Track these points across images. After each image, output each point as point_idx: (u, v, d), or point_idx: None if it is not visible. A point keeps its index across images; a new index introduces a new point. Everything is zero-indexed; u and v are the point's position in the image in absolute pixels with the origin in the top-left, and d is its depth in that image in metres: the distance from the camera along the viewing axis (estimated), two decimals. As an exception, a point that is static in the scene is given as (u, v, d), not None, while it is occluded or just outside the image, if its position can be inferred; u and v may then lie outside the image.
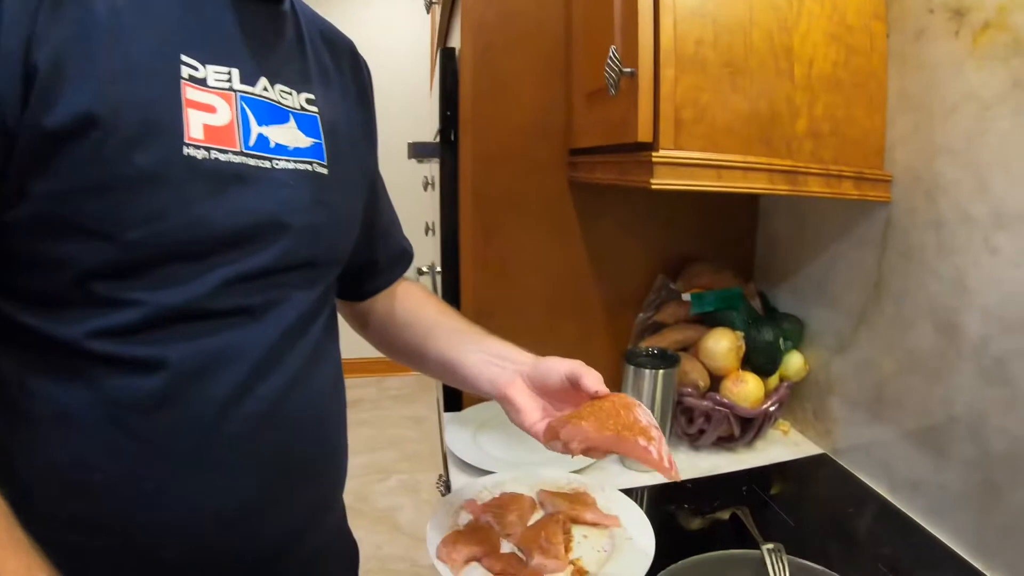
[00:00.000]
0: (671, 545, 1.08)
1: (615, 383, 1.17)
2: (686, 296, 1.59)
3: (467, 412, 1.64)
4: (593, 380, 0.92)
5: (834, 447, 1.49)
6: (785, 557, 1.01)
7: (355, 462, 3.87)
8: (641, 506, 1.19)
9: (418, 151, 1.86)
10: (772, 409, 1.45)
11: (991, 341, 1.08)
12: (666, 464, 0.85)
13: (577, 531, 1.12)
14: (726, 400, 1.43)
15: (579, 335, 1.70)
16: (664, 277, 1.70)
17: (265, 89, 0.78)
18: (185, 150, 0.67)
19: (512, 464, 1.38)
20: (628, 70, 1.10)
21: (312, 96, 0.86)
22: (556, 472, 1.30)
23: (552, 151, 1.61)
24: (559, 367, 0.95)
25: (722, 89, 1.13)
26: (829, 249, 1.49)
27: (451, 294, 1.63)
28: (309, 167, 0.82)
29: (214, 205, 0.69)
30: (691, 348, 1.54)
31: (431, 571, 1.02)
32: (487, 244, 1.63)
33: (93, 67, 0.61)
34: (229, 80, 0.73)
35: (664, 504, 1.31)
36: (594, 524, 1.14)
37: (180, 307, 0.70)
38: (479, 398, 1.66)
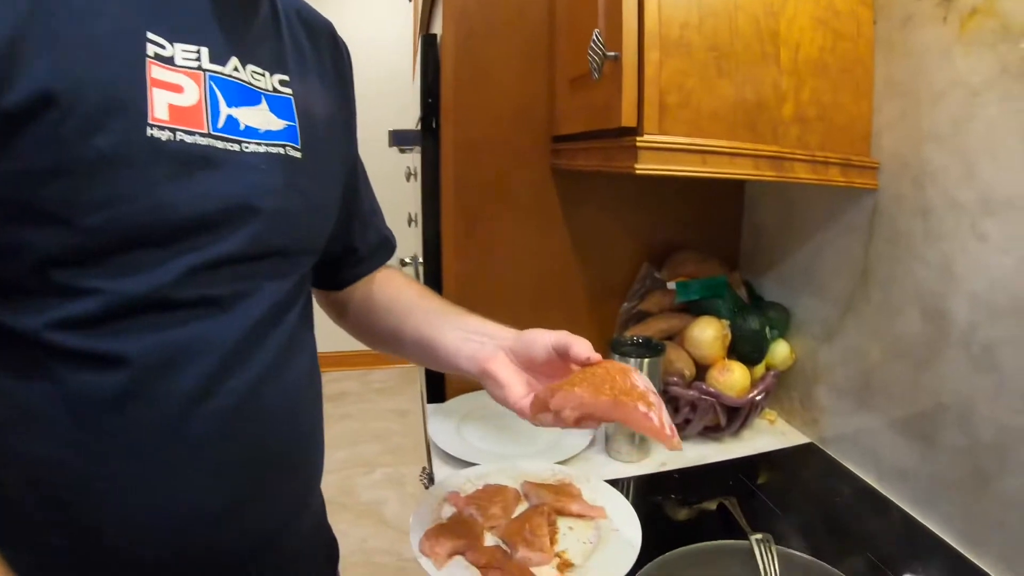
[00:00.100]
0: (658, 536, 1.07)
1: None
2: (671, 285, 1.58)
3: (450, 403, 1.62)
4: (583, 347, 0.87)
5: (821, 436, 1.48)
6: (774, 547, 1.00)
7: (339, 456, 3.90)
8: (627, 497, 1.18)
9: (399, 139, 1.84)
10: (759, 398, 1.44)
11: (979, 328, 1.07)
12: (667, 431, 0.80)
13: (562, 523, 1.11)
14: (712, 389, 1.42)
15: (563, 325, 1.64)
16: (649, 266, 1.69)
17: (236, 69, 0.75)
18: (149, 131, 0.64)
19: (496, 455, 1.36)
20: (612, 54, 1.08)
21: (286, 77, 0.83)
22: (540, 463, 1.29)
23: (535, 139, 1.60)
24: (544, 338, 0.90)
25: (707, 73, 1.11)
26: (815, 237, 1.48)
27: (433, 284, 1.61)
28: (282, 150, 0.79)
29: (179, 189, 0.66)
30: (676, 337, 1.53)
31: (416, 564, 1.00)
32: (469, 233, 1.61)
33: (52, 44, 0.58)
34: (198, 59, 0.70)
35: (650, 495, 1.30)
36: (579, 516, 1.13)
37: (143, 296, 0.66)
38: (463, 388, 1.65)
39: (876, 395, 1.31)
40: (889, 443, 1.27)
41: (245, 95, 0.75)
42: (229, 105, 0.72)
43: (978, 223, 1.06)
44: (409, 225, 2.74)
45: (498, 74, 1.56)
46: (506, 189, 1.61)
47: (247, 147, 0.74)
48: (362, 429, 4.40)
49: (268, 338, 0.78)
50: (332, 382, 5.13)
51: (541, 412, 0.85)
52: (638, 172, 1.07)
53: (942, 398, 1.15)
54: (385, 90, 4.53)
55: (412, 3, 3.14)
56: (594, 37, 1.09)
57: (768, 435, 1.54)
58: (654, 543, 1.03)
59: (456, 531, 1.04)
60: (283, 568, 0.89)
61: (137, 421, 0.68)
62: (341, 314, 1.14)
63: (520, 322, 0.98)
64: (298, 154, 0.81)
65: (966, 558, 1.08)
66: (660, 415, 0.80)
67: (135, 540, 0.71)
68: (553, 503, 1.13)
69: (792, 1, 1.15)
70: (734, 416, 1.45)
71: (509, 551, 1.03)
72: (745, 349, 1.49)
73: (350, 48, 1.04)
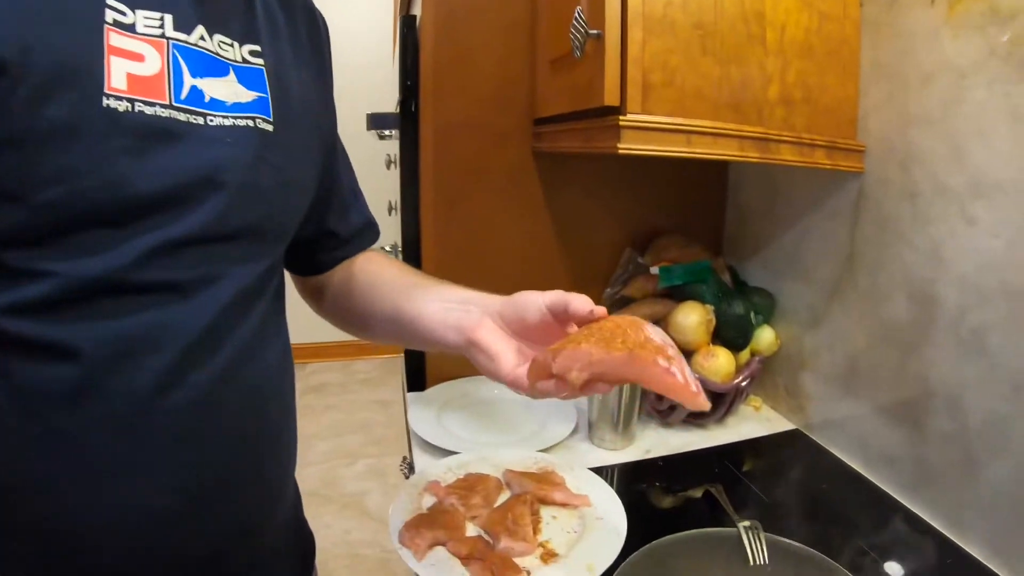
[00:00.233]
0: (644, 524, 1.05)
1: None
2: (654, 270, 1.57)
3: (431, 391, 1.60)
4: (583, 302, 0.77)
5: (807, 423, 1.47)
6: (762, 535, 0.98)
7: (322, 447, 3.88)
8: (611, 485, 1.17)
9: (377, 123, 1.81)
10: (744, 384, 1.43)
11: (968, 312, 1.06)
12: (693, 388, 0.68)
13: (546, 512, 1.09)
14: (697, 375, 1.39)
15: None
16: (632, 251, 1.68)
17: (202, 38, 0.70)
18: (105, 101, 0.59)
19: (477, 444, 1.34)
20: (594, 32, 1.06)
21: (257, 48, 0.78)
22: (523, 452, 1.27)
23: (516, 121, 1.58)
24: (537, 298, 0.80)
25: (692, 52, 1.09)
26: (800, 222, 1.47)
27: (413, 271, 1.58)
28: (251, 123, 0.74)
29: (137, 163, 0.62)
30: (660, 323, 1.51)
31: (400, 556, 0.97)
32: (449, 218, 1.59)
33: (1, 8, 0.54)
34: (161, 26, 0.66)
35: (635, 483, 1.28)
36: (563, 504, 1.11)
37: (98, 280, 0.62)
38: (443, 376, 1.63)
39: (863, 381, 1.30)
40: (876, 429, 1.26)
41: (211, 65, 0.71)
42: (194, 76, 0.68)
43: (967, 206, 1.05)
44: (389, 214, 2.72)
45: (478, 56, 1.54)
46: (487, 173, 1.59)
47: (212, 120, 0.69)
48: (345, 420, 4.37)
49: (235, 327, 0.74)
50: (314, 373, 5.11)
51: (541, 379, 0.75)
52: (621, 152, 1.05)
53: (930, 383, 1.14)
54: (365, 75, 4.41)
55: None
56: (576, 15, 1.07)
57: (753, 422, 1.53)
58: (640, 531, 1.02)
59: (437, 521, 1.02)
60: (255, 566, 0.85)
61: (91, 417, 0.64)
62: (319, 300, 1.09)
63: (500, 307, 0.94)
64: (269, 127, 0.76)
65: (954, 543, 1.08)
66: (682, 370, 0.69)
67: (93, 543, 0.67)
68: (536, 492, 1.11)
69: (777, -20, 1.13)
70: (719, 402, 1.44)
71: (491, 541, 1.01)
72: (730, 334, 1.47)
73: (331, 31, 0.99)
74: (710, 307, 1.47)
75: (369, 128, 1.83)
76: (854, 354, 1.32)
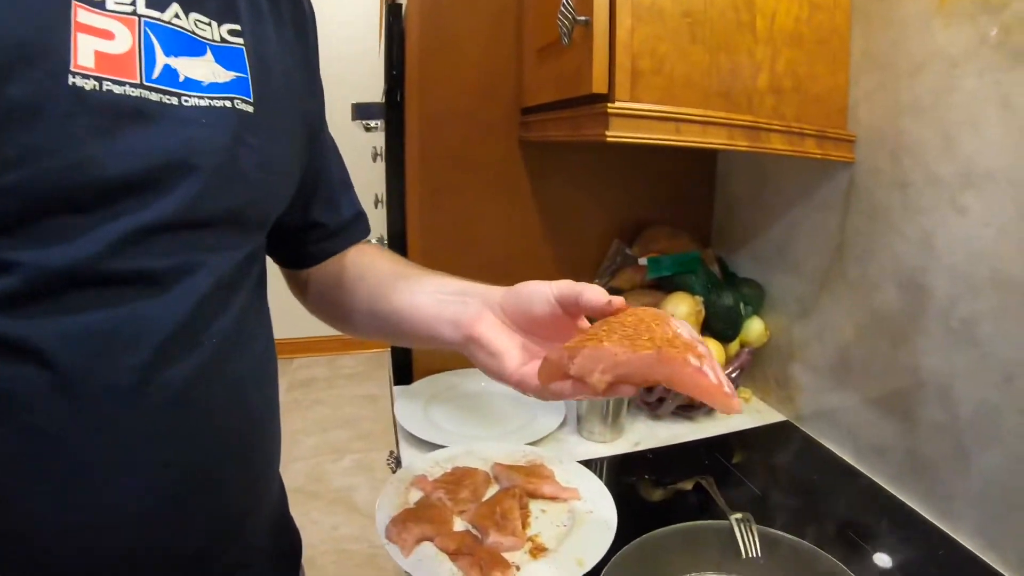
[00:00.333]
0: (634, 518, 1.04)
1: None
2: (643, 260, 1.56)
3: (417, 385, 1.59)
4: (597, 293, 0.69)
5: (797, 414, 1.46)
6: (754, 527, 0.97)
7: (308, 443, 3.86)
8: (601, 478, 1.16)
9: (363, 113, 1.79)
10: (733, 375, 1.43)
11: (959, 302, 1.06)
12: (726, 389, 0.60)
13: (535, 506, 1.08)
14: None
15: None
16: (620, 242, 1.67)
17: (177, 16, 0.67)
18: (70, 79, 0.56)
19: (465, 437, 1.33)
20: (582, 18, 1.04)
21: (237, 27, 0.75)
22: (511, 445, 1.26)
23: (503, 111, 1.57)
24: (544, 289, 0.72)
25: (681, 40, 1.08)
26: (789, 212, 1.46)
27: (399, 263, 1.57)
28: (228, 103, 0.70)
29: (105, 144, 0.58)
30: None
31: (388, 552, 0.96)
32: (435, 210, 1.58)
33: None
34: (133, 3, 0.63)
35: (625, 475, 1.27)
36: (552, 498, 1.10)
37: (66, 270, 0.59)
38: (430, 369, 1.61)
39: (853, 372, 1.30)
40: (866, 420, 1.26)
41: (187, 44, 0.68)
42: (167, 54, 0.65)
43: (958, 196, 1.05)
44: (376, 207, 2.69)
45: (465, 45, 1.52)
46: (473, 163, 1.58)
47: (187, 100, 0.66)
48: (332, 415, 4.35)
49: (215, 320, 0.71)
50: (301, 368, 5.09)
51: (554, 379, 0.68)
52: (609, 140, 1.04)
53: (920, 374, 1.13)
54: (351, 66, 4.35)
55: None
56: (564, 2, 1.06)
57: (743, 413, 1.51)
58: (630, 525, 1.01)
59: (424, 516, 1.01)
60: (241, 565, 0.82)
61: (65, 417, 0.61)
62: (303, 291, 1.05)
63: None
64: (249, 108, 0.72)
65: (945, 534, 1.08)
66: (715, 369, 0.61)
67: (65, 547, 0.64)
68: (524, 485, 1.09)
69: (768, -31, 1.12)
70: (708, 394, 1.42)
71: (479, 536, 0.99)
72: (719, 326, 1.46)
73: (316, 22, 0.95)
74: (699, 298, 1.46)
75: (354, 118, 1.81)
76: (844, 345, 1.32)
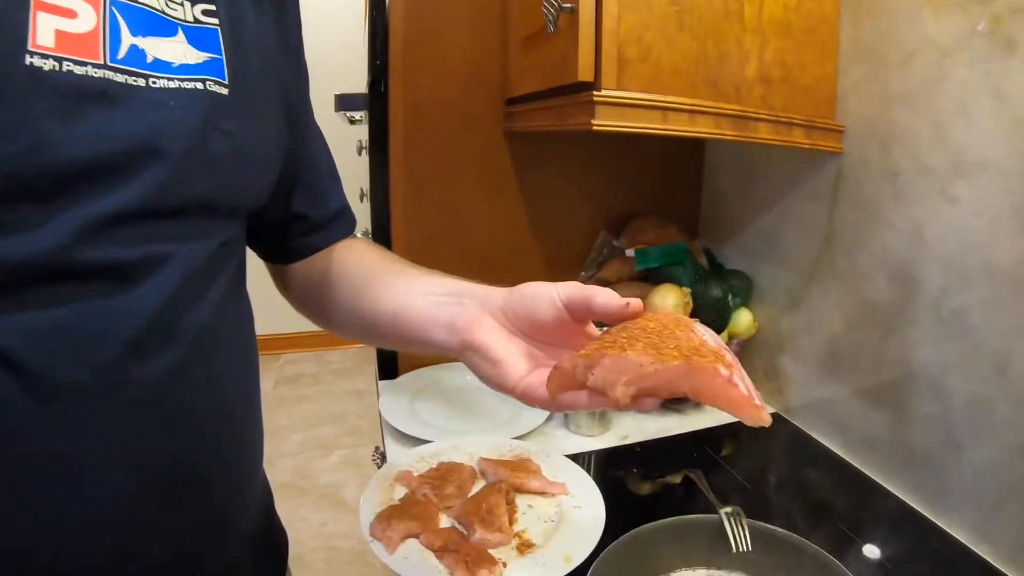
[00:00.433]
0: (623, 512, 1.03)
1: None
2: (630, 252, 1.55)
3: (402, 379, 1.57)
4: (610, 296, 0.63)
5: (786, 406, 1.46)
6: (745, 521, 0.96)
7: (296, 439, 3.85)
8: (589, 472, 1.15)
9: (346, 104, 1.77)
10: (722, 368, 1.41)
11: (950, 292, 1.06)
12: (757, 401, 0.55)
13: (521, 501, 1.07)
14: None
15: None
16: (607, 234, 1.66)
17: None
18: (28, 59, 0.53)
19: (451, 432, 1.32)
20: (567, 5, 1.03)
21: (211, 7, 0.71)
22: (497, 439, 1.25)
23: (487, 101, 1.55)
24: (550, 291, 0.66)
25: (668, 28, 1.07)
26: (778, 203, 1.46)
27: (382, 256, 1.55)
28: (200, 85, 0.66)
29: (64, 126, 0.55)
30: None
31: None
32: (419, 201, 1.56)
33: None
34: None
35: (613, 469, 1.26)
36: (540, 493, 1.09)
37: (27, 262, 0.55)
38: (416, 364, 1.60)
39: (842, 364, 1.29)
40: (856, 412, 1.26)
41: (156, 24, 0.64)
42: (134, 34, 0.61)
43: (949, 186, 1.04)
44: (361, 200, 2.66)
45: (449, 35, 1.51)
46: (458, 154, 1.57)
47: (155, 82, 0.62)
48: (319, 411, 4.34)
49: (187, 315, 0.67)
50: (288, 364, 5.07)
51: (566, 390, 0.62)
52: (595, 128, 1.02)
53: (911, 366, 1.13)
54: (336, 57, 4.30)
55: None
56: (548, -12, 1.04)
57: (732, 406, 1.50)
58: (619, 519, 1.00)
59: (409, 513, 0.99)
60: (226, 567, 0.79)
61: (26, 420, 0.57)
62: (291, 293, 1.00)
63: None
64: (223, 90, 0.69)
65: (937, 526, 1.07)
66: (744, 379, 0.56)
67: (33, 556, 0.60)
68: (511, 480, 1.08)
69: (755, -44, 1.11)
70: (697, 387, 1.41)
71: (465, 532, 0.98)
72: (707, 317, 1.45)
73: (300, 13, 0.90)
74: (687, 290, 1.45)
75: (338, 109, 1.78)
76: (834, 337, 1.31)
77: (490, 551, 0.94)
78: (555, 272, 1.67)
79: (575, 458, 1.20)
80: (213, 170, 0.67)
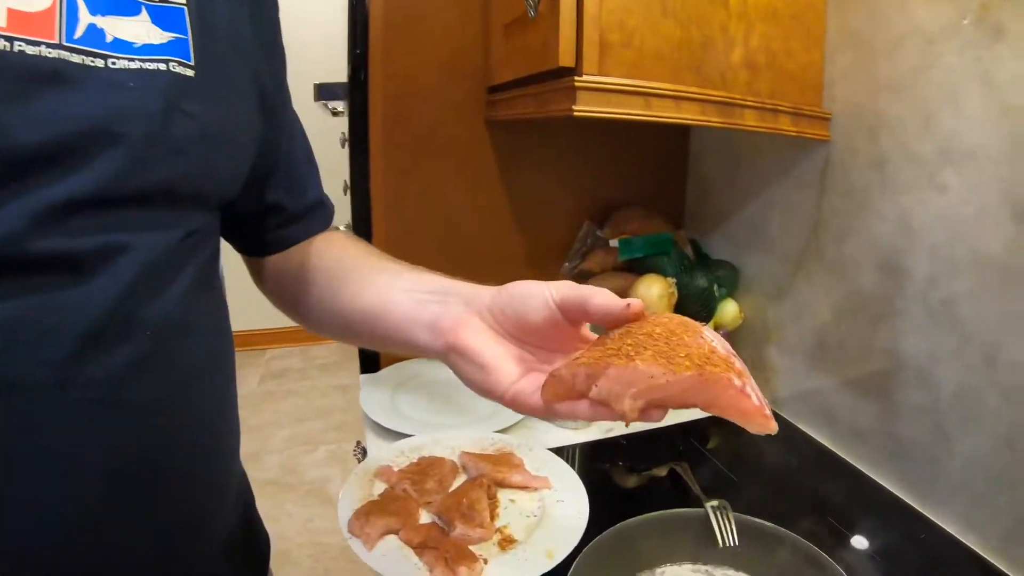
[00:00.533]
0: (607, 506, 1.01)
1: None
2: (614, 242, 1.54)
3: (384, 372, 1.55)
4: (609, 297, 0.59)
5: (773, 398, 1.45)
6: (731, 514, 0.94)
7: (283, 434, 3.83)
8: (572, 466, 1.13)
9: (325, 93, 1.74)
10: (708, 359, 1.39)
11: (938, 282, 1.05)
12: (767, 411, 0.52)
13: (503, 495, 1.06)
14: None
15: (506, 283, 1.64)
16: (591, 224, 1.65)
17: None
18: None
19: (432, 426, 1.30)
20: (549, -11, 1.01)
21: None
22: (479, 433, 1.23)
23: (469, 90, 1.53)
24: (542, 291, 0.62)
25: (651, 13, 1.06)
26: (764, 193, 1.45)
27: (363, 248, 1.53)
28: (163, 66, 0.63)
29: (16, 109, 0.52)
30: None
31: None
32: (400, 192, 1.54)
33: None
34: None
35: (597, 463, 1.25)
36: (522, 487, 1.07)
37: None
38: (398, 357, 1.57)
39: (830, 354, 1.28)
40: (844, 403, 1.25)
41: (117, 3, 0.61)
42: (93, 13, 0.58)
43: (937, 174, 1.03)
44: (344, 193, 2.63)
45: (430, 23, 1.49)
46: (439, 144, 1.55)
47: (114, 63, 0.59)
48: (305, 406, 4.32)
49: (147, 308, 0.63)
50: (274, 359, 5.05)
51: (562, 399, 0.58)
52: (576, 114, 1.01)
53: (899, 356, 1.12)
54: (320, 50, 4.20)
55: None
56: (529, -28, 1.02)
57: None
58: (604, 514, 0.98)
59: (388, 508, 0.97)
60: (203, 572, 0.76)
61: None
62: (266, 287, 0.96)
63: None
64: (188, 71, 0.65)
65: (926, 517, 1.07)
66: (755, 388, 0.53)
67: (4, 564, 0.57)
68: (493, 474, 1.06)
69: (741, -59, 1.10)
70: (683, 378, 1.40)
71: (446, 528, 0.96)
72: (692, 308, 1.44)
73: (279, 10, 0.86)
74: (672, 280, 1.44)
75: (317, 99, 1.75)
76: (821, 327, 1.30)
77: (471, 547, 0.92)
78: (539, 263, 1.67)
79: (559, 451, 1.19)
80: (176, 154, 0.64)
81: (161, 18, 0.64)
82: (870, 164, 1.15)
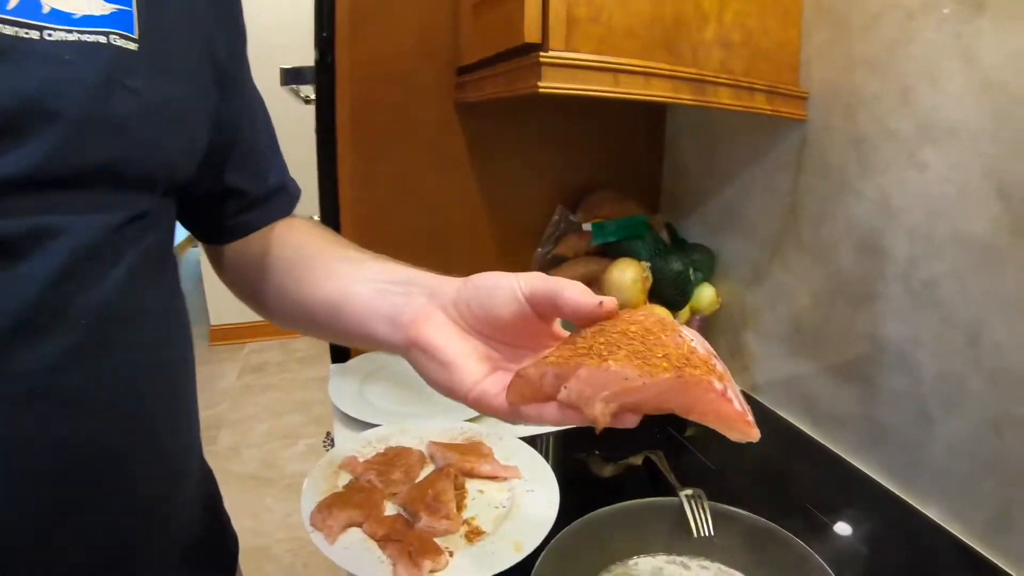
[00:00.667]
0: (579, 496, 0.98)
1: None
2: (587, 226, 1.51)
3: (354, 362, 1.52)
4: (580, 291, 0.56)
5: (752, 384, 1.43)
6: (706, 503, 0.92)
7: (262, 428, 3.80)
8: (545, 455, 1.11)
9: (292, 77, 1.70)
10: (684, 346, 1.37)
11: (919, 263, 1.03)
12: (749, 417, 0.50)
13: (472, 486, 1.03)
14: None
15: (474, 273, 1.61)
16: (563, 208, 1.62)
17: None
18: None
19: (400, 415, 1.27)
20: (515, -36, 0.98)
21: None
22: (448, 422, 1.20)
23: (438, 72, 1.50)
24: (510, 283, 0.59)
25: (621, -12, 1.03)
26: (741, 175, 1.43)
27: (330, 236, 1.50)
28: (103, 39, 0.58)
29: None
30: (595, 283, 1.45)
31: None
32: (368, 178, 1.51)
33: None
34: None
35: (571, 451, 1.22)
36: (491, 477, 1.04)
37: None
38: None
39: (809, 339, 1.27)
40: (824, 389, 1.23)
41: None
42: None
43: (916, 152, 1.02)
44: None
45: (398, 3, 1.45)
46: (408, 128, 1.51)
47: (51, 35, 0.55)
48: (285, 400, 4.30)
49: (82, 296, 0.59)
50: (253, 353, 5.02)
51: (528, 401, 0.55)
52: (541, 91, 0.99)
53: (880, 339, 1.11)
54: (286, 35, 3.96)
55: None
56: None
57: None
58: (575, 504, 0.95)
59: (352, 500, 0.94)
60: (163, 570, 0.73)
61: None
62: (226, 275, 0.91)
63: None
64: (131, 44, 0.61)
65: (908, 504, 1.06)
66: (736, 391, 0.51)
67: None
68: (460, 464, 1.03)
69: (714, -86, 1.08)
70: (659, 364, 1.37)
71: (411, 520, 0.93)
72: (668, 292, 1.42)
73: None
74: (646, 264, 1.41)
75: (283, 84, 1.71)
76: (799, 311, 1.28)
77: (436, 540, 0.89)
78: (511, 249, 1.64)
79: (531, 440, 1.16)
80: (116, 132, 0.60)
81: None
82: (848, 143, 1.13)
